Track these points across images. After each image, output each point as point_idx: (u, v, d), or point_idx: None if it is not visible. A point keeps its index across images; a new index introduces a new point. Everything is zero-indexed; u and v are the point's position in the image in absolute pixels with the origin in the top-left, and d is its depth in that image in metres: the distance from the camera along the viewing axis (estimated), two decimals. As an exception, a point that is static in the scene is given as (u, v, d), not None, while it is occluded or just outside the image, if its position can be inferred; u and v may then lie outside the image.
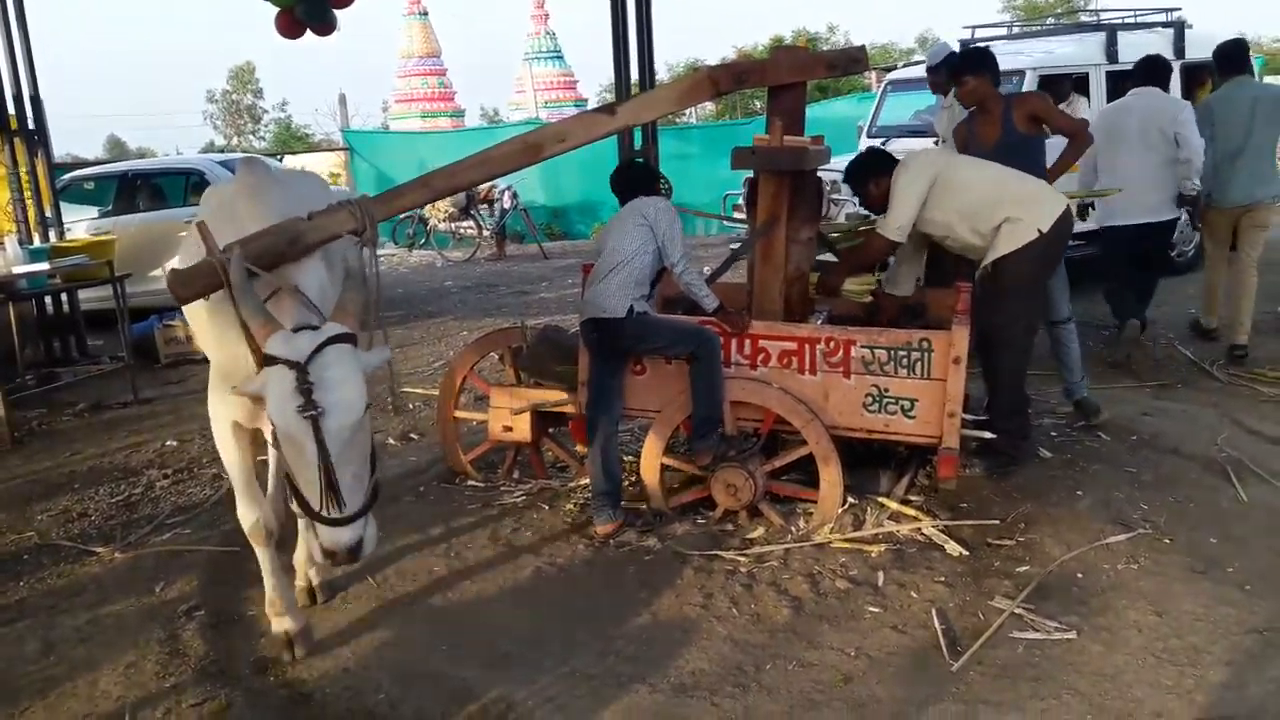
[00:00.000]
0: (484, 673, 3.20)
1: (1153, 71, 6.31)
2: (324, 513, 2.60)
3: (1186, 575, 3.57)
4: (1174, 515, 4.05)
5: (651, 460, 4.25)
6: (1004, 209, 4.23)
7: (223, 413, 3.25)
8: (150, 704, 3.15)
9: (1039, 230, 4.17)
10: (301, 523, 3.38)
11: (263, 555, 3.41)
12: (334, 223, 3.16)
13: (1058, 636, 3.23)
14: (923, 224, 4.34)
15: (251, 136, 45.85)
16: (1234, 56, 6.47)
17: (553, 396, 4.55)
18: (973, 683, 3.02)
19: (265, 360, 2.59)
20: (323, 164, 20.03)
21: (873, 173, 4.44)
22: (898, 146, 6.90)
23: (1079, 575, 3.61)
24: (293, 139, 41.14)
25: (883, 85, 10.17)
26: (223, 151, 30.86)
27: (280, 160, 18.00)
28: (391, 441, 5.60)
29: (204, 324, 3.15)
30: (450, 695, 3.09)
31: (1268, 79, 19.55)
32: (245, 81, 46.70)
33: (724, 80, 4.07)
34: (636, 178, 4.37)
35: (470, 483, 4.77)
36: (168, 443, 5.89)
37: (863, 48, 4.43)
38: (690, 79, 4.05)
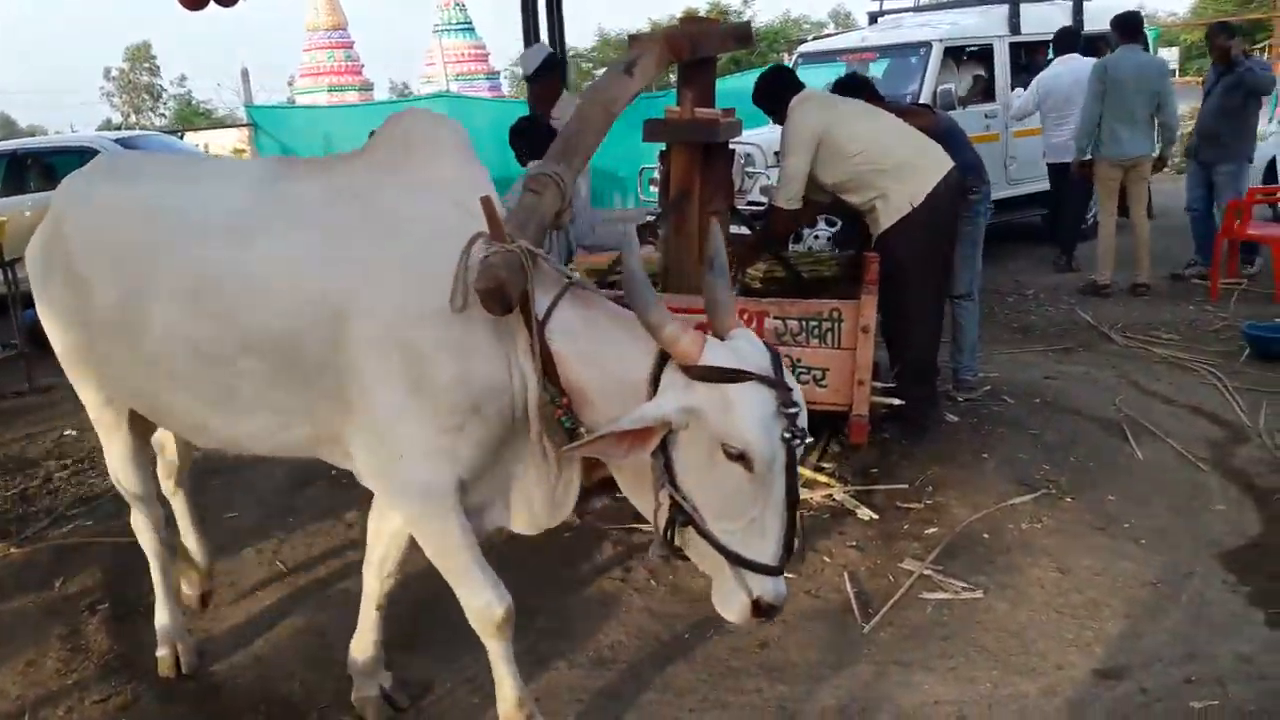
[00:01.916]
0: (401, 655, 3.16)
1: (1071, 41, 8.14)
2: (767, 561, 2.10)
3: (1086, 532, 3.71)
4: (1075, 474, 4.19)
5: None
6: (877, 183, 4.21)
7: (444, 478, 2.38)
8: (51, 702, 3.04)
9: (911, 204, 4.17)
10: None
11: (503, 648, 2.58)
12: (550, 199, 2.55)
13: (965, 596, 3.33)
14: (813, 178, 4.34)
15: (151, 114, 44.29)
16: (1130, 25, 7.24)
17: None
18: (884, 643, 3.10)
19: (709, 374, 2.05)
20: (226, 140, 19.43)
21: (785, 98, 4.42)
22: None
23: (985, 536, 3.72)
24: (194, 115, 39.83)
25: (794, 58, 10.25)
26: (119, 129, 29.70)
27: (181, 137, 17.37)
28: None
29: (438, 342, 2.29)
30: (367, 679, 3.05)
31: (1161, 51, 20.28)
32: (142, 60, 45.08)
33: (680, 46, 3.96)
34: (537, 138, 4.32)
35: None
36: (66, 432, 5.67)
37: (748, 23, 4.52)
38: (656, 43, 3.86)
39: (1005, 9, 8.85)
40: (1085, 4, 9.08)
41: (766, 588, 2.11)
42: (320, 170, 2.58)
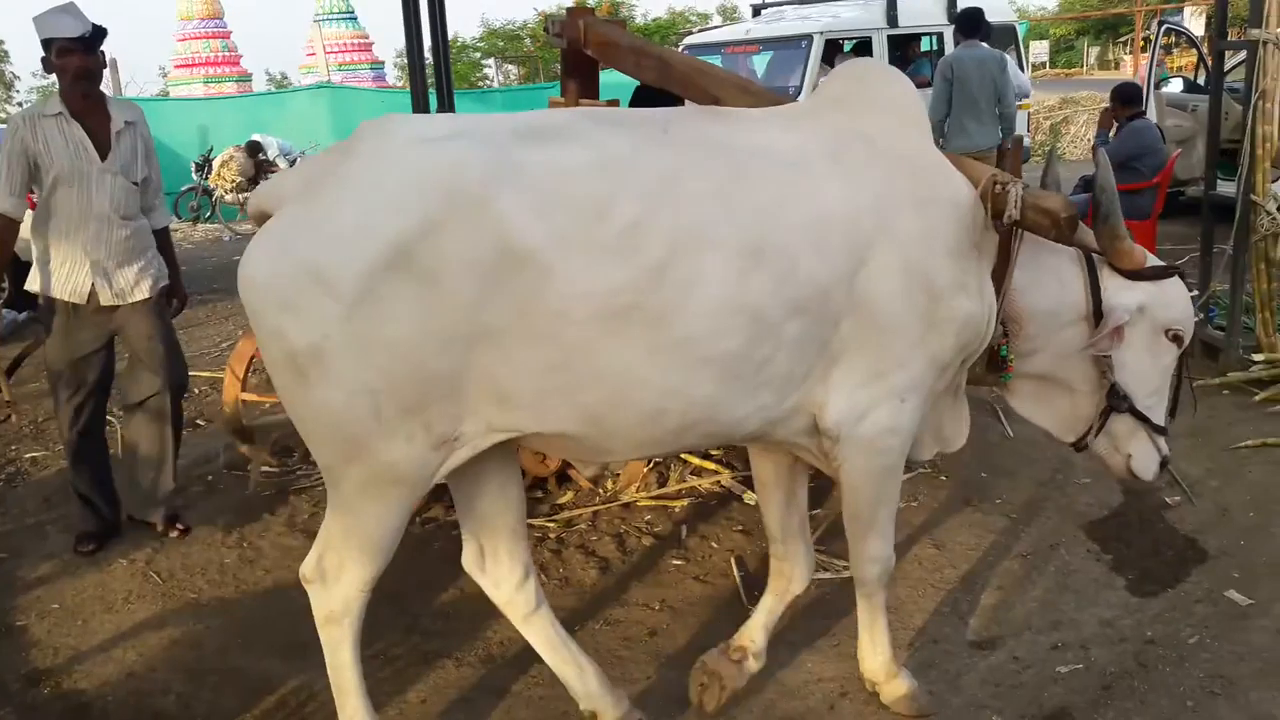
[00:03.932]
0: (283, 663, 3.08)
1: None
2: (1165, 424, 2.64)
3: (960, 508, 3.85)
4: (949, 453, 4.32)
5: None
6: None
7: (918, 422, 2.49)
8: (-97, 732, 2.87)
9: None
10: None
11: (884, 598, 2.71)
12: None
13: (847, 575, 3.39)
14: None
15: (8, 105, 41.91)
16: (970, 22, 7.43)
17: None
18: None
19: (1157, 273, 2.54)
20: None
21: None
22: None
23: (866, 516, 3.82)
24: (60, 107, 37.86)
25: (680, 49, 10.32)
26: (-23, 122, 28.02)
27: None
28: (178, 429, 5.27)
29: (953, 281, 2.35)
30: (248, 689, 2.97)
31: (1032, 44, 21.11)
32: (-15, 47, 42.46)
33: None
34: None
35: (263, 468, 4.54)
36: (-80, 445, 5.33)
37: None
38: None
39: (883, 2, 9.10)
40: (957, -3, 9.39)
41: (1168, 447, 2.66)
42: (801, 114, 2.55)
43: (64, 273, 3.69)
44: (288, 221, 2.08)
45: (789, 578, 2.85)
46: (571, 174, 2.10)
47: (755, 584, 3.39)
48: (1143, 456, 2.67)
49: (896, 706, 2.70)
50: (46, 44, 3.59)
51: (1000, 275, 2.46)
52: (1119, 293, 2.52)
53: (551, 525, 3.88)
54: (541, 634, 2.65)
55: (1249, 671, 2.78)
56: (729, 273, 2.13)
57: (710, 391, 2.21)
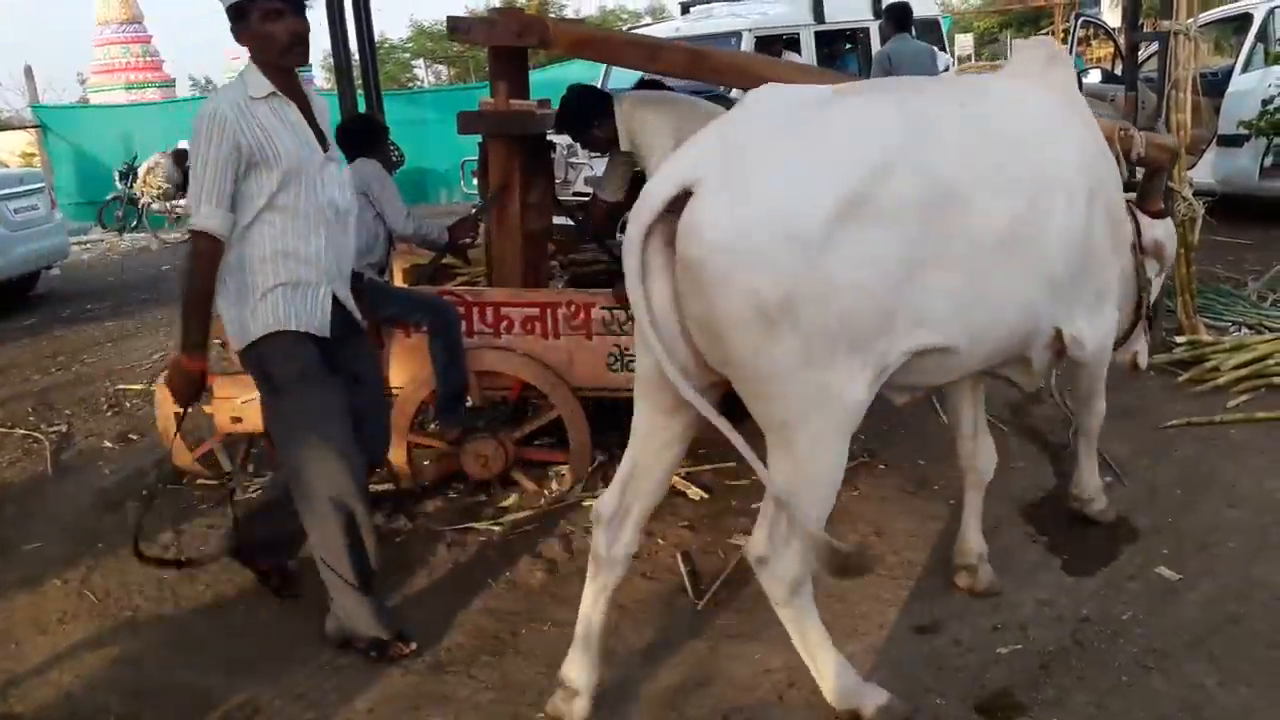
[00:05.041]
0: (227, 678, 3.03)
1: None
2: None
3: (900, 496, 3.91)
4: (889, 442, 4.41)
5: (397, 439, 4.14)
6: None
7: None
8: None
9: None
10: None
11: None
12: None
13: (791, 566, 3.45)
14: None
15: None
16: (901, 16, 7.74)
17: (285, 381, 4.31)
18: (716, 619, 3.18)
19: (1166, 215, 3.52)
20: (12, 144, 17.99)
21: (594, 115, 4.31)
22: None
23: (808, 507, 3.87)
24: (-27, 116, 36.58)
25: (610, 48, 10.33)
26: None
27: (-43, 140, 15.96)
28: (108, 444, 5.14)
29: (1122, 207, 3.10)
30: (191, 706, 2.92)
31: (958, 37, 21.50)
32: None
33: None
34: (355, 134, 4.30)
35: (200, 481, 4.45)
36: None
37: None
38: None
39: (811, -1, 9.20)
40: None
41: None
42: (1012, 81, 2.93)
43: (302, 298, 2.90)
44: (734, 186, 2.17)
45: (980, 470, 3.30)
46: (959, 122, 2.49)
47: (701, 578, 3.42)
48: (1144, 351, 3.61)
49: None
50: (239, 9, 2.83)
51: None
52: (1152, 228, 3.35)
53: (496, 529, 3.87)
54: (596, 607, 2.66)
55: (1180, 645, 2.87)
56: (1061, 205, 2.60)
57: (1044, 307, 2.67)
